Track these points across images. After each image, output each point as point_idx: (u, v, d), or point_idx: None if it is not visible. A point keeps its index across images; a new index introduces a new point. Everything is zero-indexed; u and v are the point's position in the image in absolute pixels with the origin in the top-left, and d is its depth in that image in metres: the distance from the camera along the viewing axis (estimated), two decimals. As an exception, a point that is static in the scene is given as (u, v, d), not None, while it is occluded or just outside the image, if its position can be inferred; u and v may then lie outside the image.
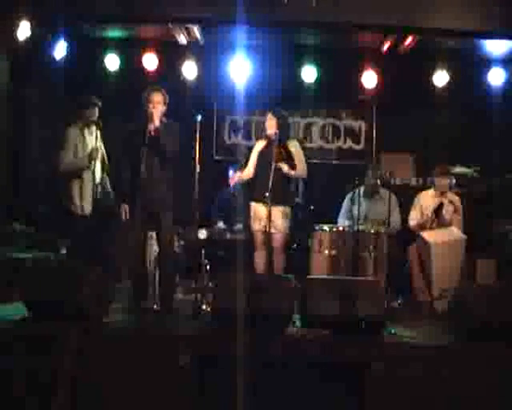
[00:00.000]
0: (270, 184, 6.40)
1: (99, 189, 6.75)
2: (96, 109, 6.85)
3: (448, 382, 4.77)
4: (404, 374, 4.79)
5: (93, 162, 6.67)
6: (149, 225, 6.39)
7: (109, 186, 6.89)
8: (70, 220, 6.82)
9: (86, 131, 6.84)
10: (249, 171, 6.96)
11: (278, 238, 6.78)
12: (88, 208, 6.71)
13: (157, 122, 6.13)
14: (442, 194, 7.41)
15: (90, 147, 6.74)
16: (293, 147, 6.91)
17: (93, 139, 6.79)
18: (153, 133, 6.10)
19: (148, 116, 6.14)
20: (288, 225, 6.85)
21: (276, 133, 6.75)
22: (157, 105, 6.20)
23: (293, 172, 6.79)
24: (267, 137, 6.92)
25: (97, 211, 6.72)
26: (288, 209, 6.86)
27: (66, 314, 5.08)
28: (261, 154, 6.90)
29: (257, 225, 6.80)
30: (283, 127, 6.87)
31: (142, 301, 6.22)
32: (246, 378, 4.67)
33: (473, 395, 4.73)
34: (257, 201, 6.75)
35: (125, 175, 6.25)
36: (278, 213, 6.75)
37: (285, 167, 6.69)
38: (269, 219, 6.49)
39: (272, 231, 6.69)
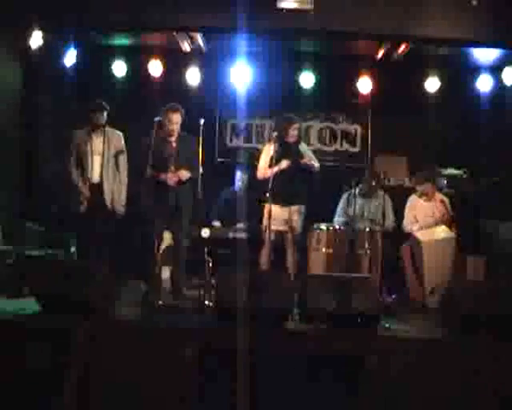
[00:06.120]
0: (271, 183, 6.61)
1: (95, 189, 6.90)
2: (105, 114, 6.94)
3: (440, 373, 4.89)
4: (398, 366, 4.90)
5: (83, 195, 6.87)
6: (167, 225, 6.79)
7: (108, 189, 6.95)
8: (71, 218, 7.04)
9: (94, 135, 6.94)
10: (266, 171, 7.03)
11: (294, 237, 7.07)
12: (84, 208, 6.88)
13: (174, 143, 6.69)
14: (431, 196, 7.56)
15: (96, 150, 6.90)
16: (303, 149, 7.22)
17: (100, 143, 6.92)
18: (171, 151, 6.68)
19: (167, 133, 6.69)
20: (303, 224, 7.12)
21: (297, 140, 7.14)
22: (175, 126, 6.69)
23: (316, 165, 7.09)
24: (285, 142, 7.08)
25: (92, 210, 6.88)
26: (303, 208, 7.10)
27: (75, 309, 5.21)
28: (276, 157, 7.00)
29: (272, 225, 6.82)
30: (301, 132, 7.37)
31: (150, 295, 6.40)
32: (246, 370, 4.76)
33: (463, 385, 4.85)
34: (274, 202, 6.77)
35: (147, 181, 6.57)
36: (296, 212, 7.02)
37: (307, 160, 7.02)
38: (269, 217, 6.65)
39: (289, 229, 6.99)
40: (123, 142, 7.12)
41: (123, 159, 7.09)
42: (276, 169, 6.86)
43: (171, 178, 6.61)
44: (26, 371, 4.91)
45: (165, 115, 6.70)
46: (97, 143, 6.96)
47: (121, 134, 7.13)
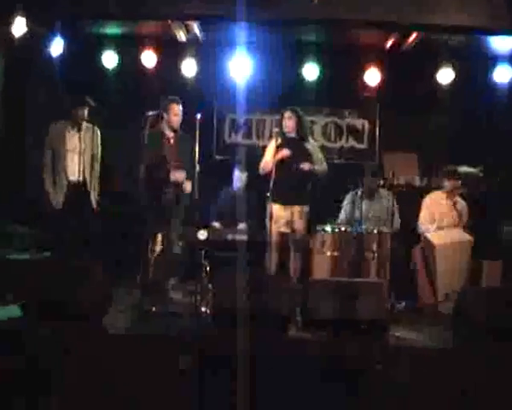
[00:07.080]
0: (272, 182, 6.49)
1: (76, 187, 6.84)
2: (86, 110, 6.92)
3: (451, 384, 4.72)
4: (406, 376, 4.75)
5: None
6: (160, 226, 6.67)
7: (92, 187, 6.91)
8: (43, 215, 7.01)
9: (74, 130, 6.92)
10: (268, 164, 6.95)
11: (297, 238, 7.00)
12: (59, 203, 6.84)
13: (172, 140, 6.73)
14: (451, 196, 7.43)
15: (74, 146, 6.87)
16: (311, 146, 7.16)
17: (81, 139, 6.87)
18: (170, 150, 6.62)
19: (168, 125, 6.69)
20: (306, 225, 7.05)
21: (297, 132, 7.06)
22: (178, 118, 6.72)
23: (316, 168, 7.00)
24: (284, 137, 7.02)
25: (69, 206, 6.82)
26: (306, 209, 7.05)
27: (65, 315, 5.13)
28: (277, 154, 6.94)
29: (275, 226, 6.81)
30: (303, 125, 7.21)
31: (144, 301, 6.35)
32: (246, 378, 4.67)
33: (475, 396, 4.66)
34: (275, 202, 6.77)
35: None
36: (297, 213, 6.96)
37: (306, 166, 6.91)
38: (270, 217, 6.58)
39: (291, 230, 7.00)
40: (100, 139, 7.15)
41: (98, 156, 7.10)
42: (277, 156, 6.82)
43: (169, 191, 6.59)
44: (20, 376, 4.75)
45: (166, 107, 6.67)
46: (76, 139, 6.93)
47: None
